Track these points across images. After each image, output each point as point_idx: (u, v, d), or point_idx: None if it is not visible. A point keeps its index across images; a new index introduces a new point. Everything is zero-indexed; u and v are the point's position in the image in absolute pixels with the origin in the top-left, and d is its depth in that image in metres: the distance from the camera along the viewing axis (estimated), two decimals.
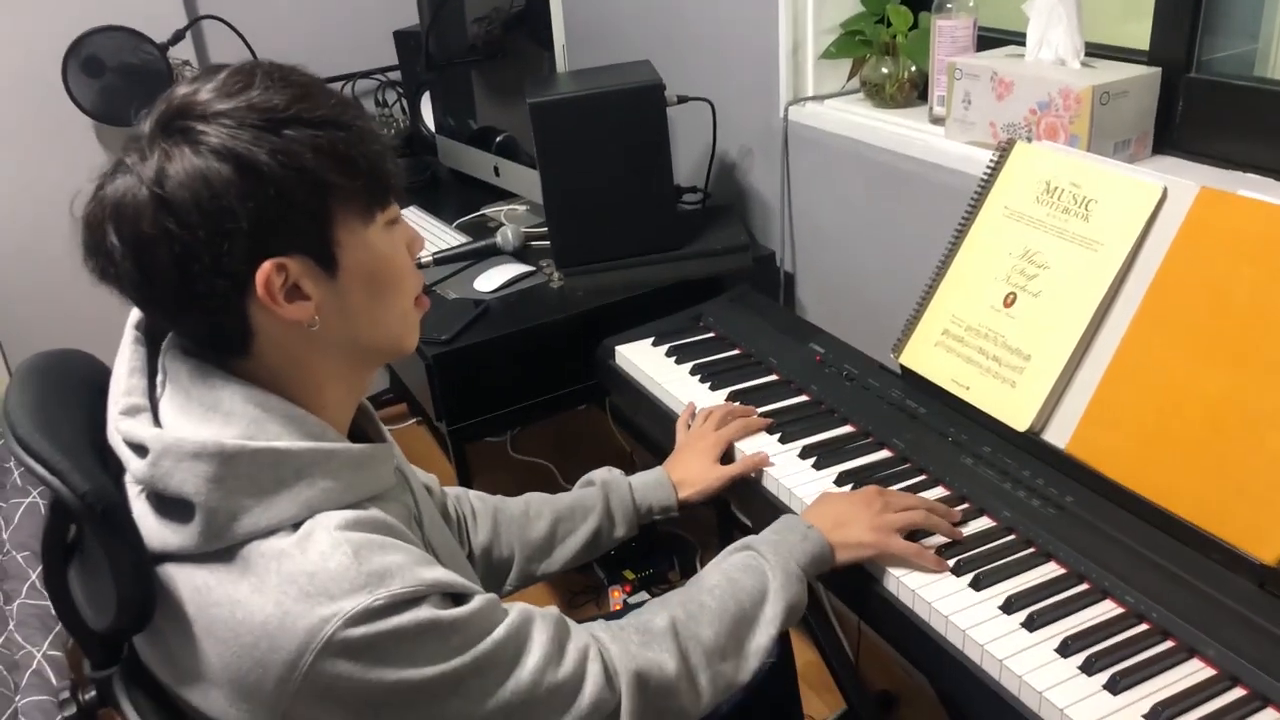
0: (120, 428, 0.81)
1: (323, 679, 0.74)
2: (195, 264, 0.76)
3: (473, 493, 1.23)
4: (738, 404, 1.34)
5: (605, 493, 1.24)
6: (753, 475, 1.24)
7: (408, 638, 0.77)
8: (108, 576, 0.76)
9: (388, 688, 0.76)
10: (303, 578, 0.75)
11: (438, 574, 0.81)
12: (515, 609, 0.86)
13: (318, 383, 0.86)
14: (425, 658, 0.78)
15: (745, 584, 1.00)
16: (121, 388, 0.84)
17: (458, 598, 0.83)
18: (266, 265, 0.77)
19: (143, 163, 0.77)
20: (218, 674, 0.77)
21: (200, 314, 0.79)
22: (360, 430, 0.97)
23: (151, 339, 0.89)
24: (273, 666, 0.74)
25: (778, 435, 1.28)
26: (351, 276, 0.82)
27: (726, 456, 1.27)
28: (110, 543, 0.76)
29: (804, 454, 1.24)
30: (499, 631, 0.83)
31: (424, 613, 0.77)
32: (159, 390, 0.85)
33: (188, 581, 0.78)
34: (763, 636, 0.98)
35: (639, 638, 0.93)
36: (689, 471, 1.26)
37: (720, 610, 0.97)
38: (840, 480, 1.18)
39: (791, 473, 1.21)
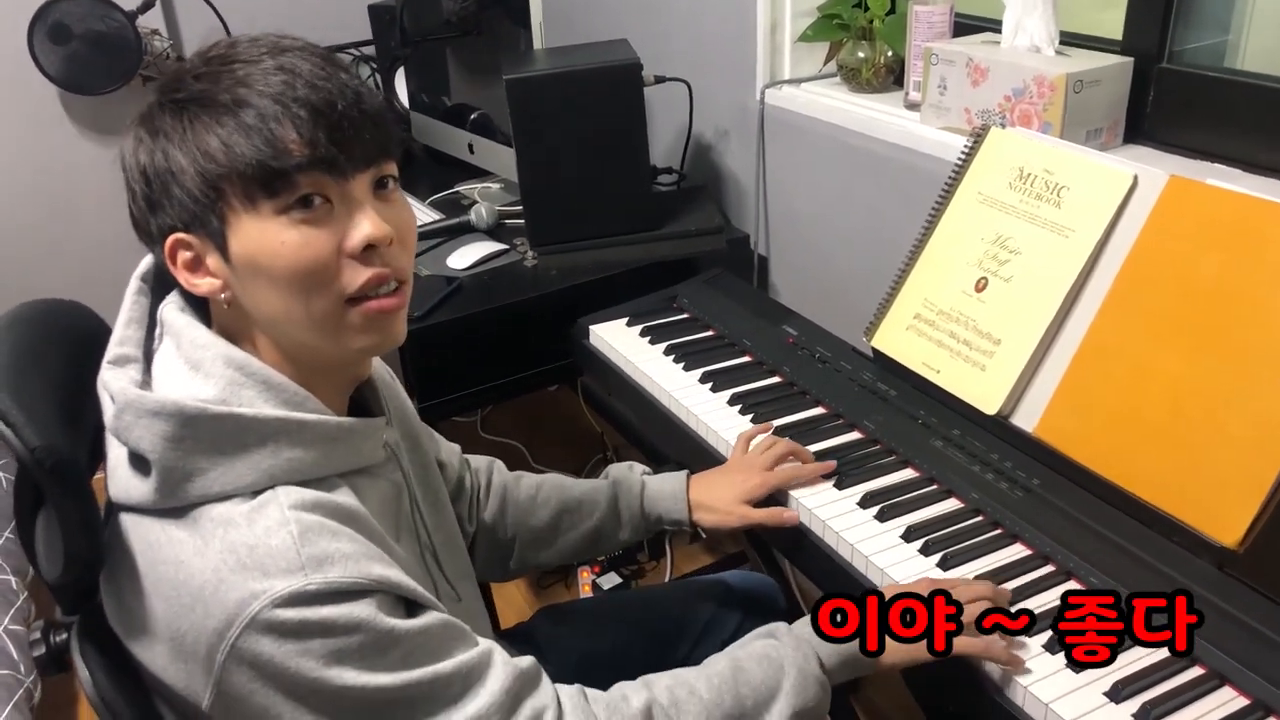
0: (103, 376, 0.82)
1: (247, 655, 0.72)
2: (134, 222, 0.83)
3: (495, 465, 1.22)
4: (792, 441, 1.19)
5: (614, 492, 1.19)
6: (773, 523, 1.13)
7: (338, 631, 0.73)
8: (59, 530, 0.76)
9: (310, 683, 0.73)
10: (243, 549, 0.74)
11: (389, 573, 0.77)
12: (481, 645, 0.81)
13: (286, 354, 0.84)
14: (355, 661, 0.73)
15: (753, 677, 0.89)
16: (116, 337, 0.85)
17: (412, 607, 0.79)
18: (170, 238, 0.80)
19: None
20: (161, 630, 0.76)
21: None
22: (363, 400, 0.95)
23: (163, 289, 0.88)
24: (204, 633, 0.73)
25: (750, 416, 1.29)
26: (243, 262, 0.79)
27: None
28: (59, 499, 0.76)
29: (776, 435, 1.25)
30: (448, 663, 0.78)
31: (361, 610, 0.74)
32: (156, 343, 0.85)
33: (143, 535, 0.77)
34: None
35: (606, 713, 0.84)
36: (714, 499, 1.16)
37: (713, 703, 0.87)
38: None
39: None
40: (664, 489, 1.19)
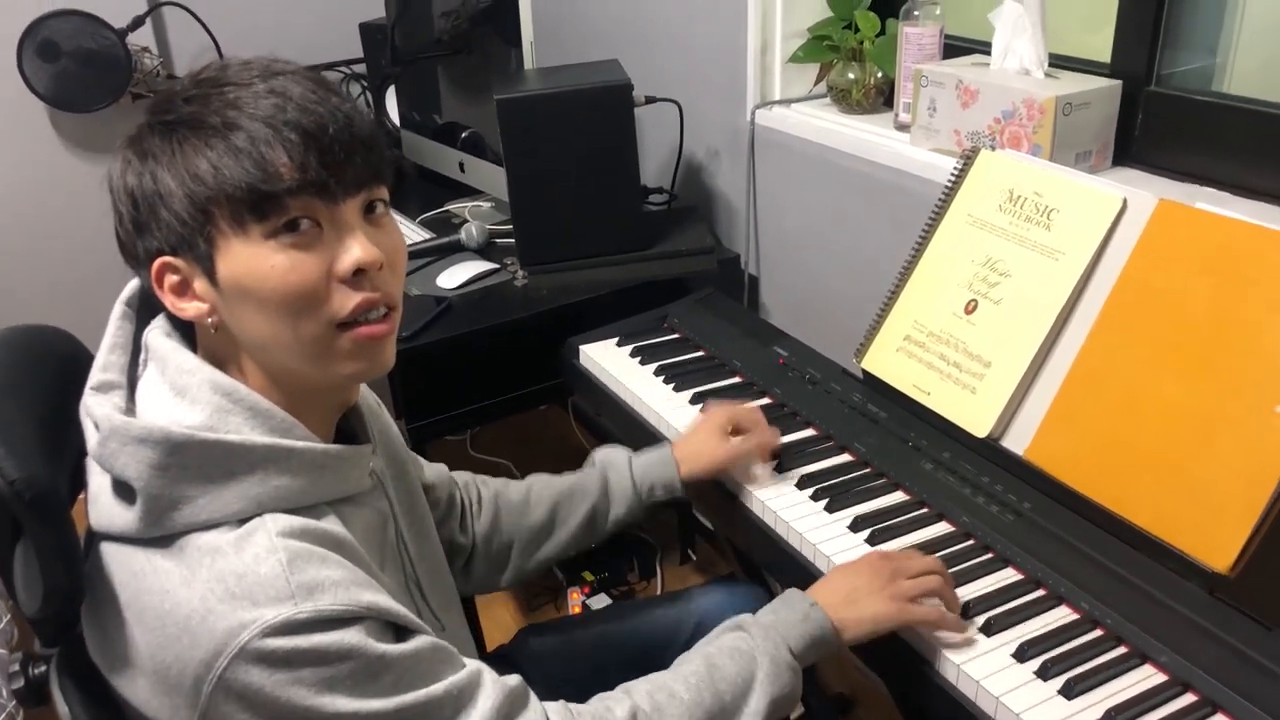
0: (85, 402, 0.81)
1: (236, 685, 0.71)
2: (121, 245, 0.82)
3: (480, 478, 1.22)
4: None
5: (604, 472, 1.21)
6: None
7: (329, 659, 0.72)
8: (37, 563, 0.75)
9: (302, 712, 0.72)
10: (231, 578, 0.73)
11: (378, 599, 0.77)
12: (470, 666, 0.82)
13: (273, 379, 0.83)
14: (347, 688, 0.73)
15: (728, 672, 0.91)
16: (100, 363, 0.84)
17: (401, 632, 0.79)
18: (157, 262, 0.80)
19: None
20: (144, 662, 0.75)
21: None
22: (350, 428, 0.94)
23: (149, 313, 0.87)
24: (191, 664, 0.72)
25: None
26: (230, 286, 0.78)
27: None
28: (38, 531, 0.74)
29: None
30: (439, 685, 0.78)
31: (352, 636, 0.74)
32: (140, 368, 0.84)
33: (126, 564, 0.76)
34: None
35: None
36: (696, 446, 1.20)
37: (693, 702, 0.88)
38: (801, 484, 1.18)
39: (753, 475, 1.21)
40: (652, 458, 1.21)
